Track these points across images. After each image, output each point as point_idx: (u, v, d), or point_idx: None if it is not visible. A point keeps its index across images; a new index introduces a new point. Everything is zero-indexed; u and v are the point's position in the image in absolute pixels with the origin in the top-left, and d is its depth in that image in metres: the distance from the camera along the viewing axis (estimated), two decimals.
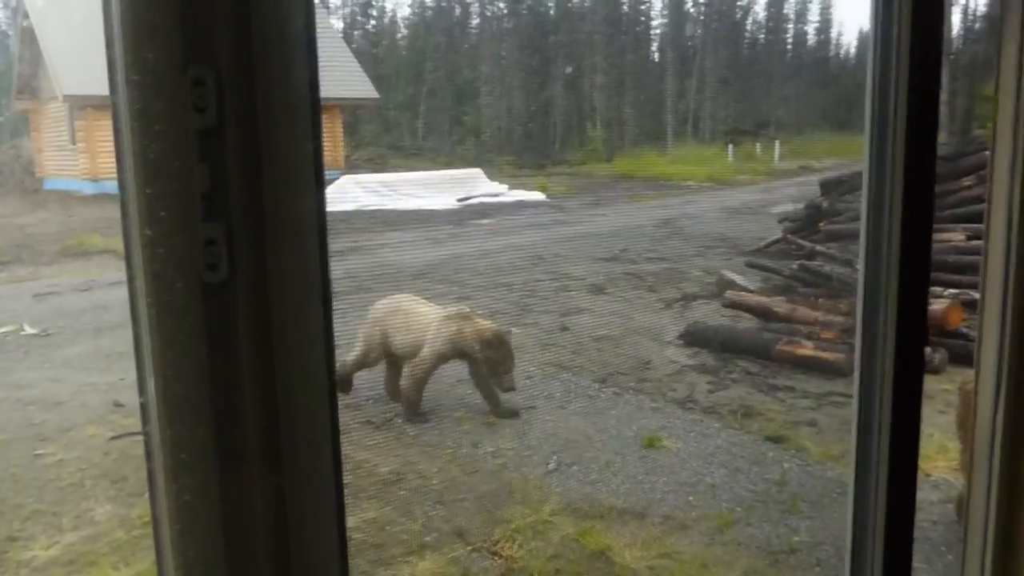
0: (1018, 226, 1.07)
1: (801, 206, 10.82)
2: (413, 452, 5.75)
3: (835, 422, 6.43)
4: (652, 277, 10.52)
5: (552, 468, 5.52)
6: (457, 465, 5.54)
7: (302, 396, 0.71)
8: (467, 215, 14.83)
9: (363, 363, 6.59)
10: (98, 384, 6.87)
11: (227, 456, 0.67)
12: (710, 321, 8.34)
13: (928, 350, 7.40)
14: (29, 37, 17.88)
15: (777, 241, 10.92)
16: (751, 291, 8.93)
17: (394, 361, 6.57)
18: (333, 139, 18.69)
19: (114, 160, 0.69)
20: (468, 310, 6.70)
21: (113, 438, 5.72)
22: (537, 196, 16.89)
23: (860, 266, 1.14)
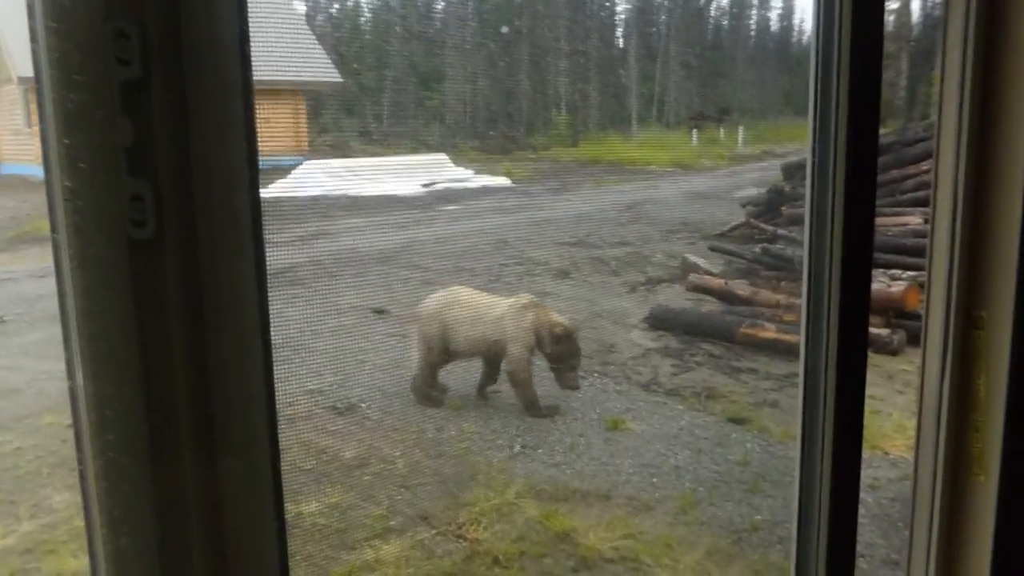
0: (963, 208, 1.09)
1: (763, 190, 10.93)
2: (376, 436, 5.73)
3: (796, 402, 6.52)
4: (616, 261, 10.58)
5: (517, 451, 5.54)
6: (421, 449, 5.54)
7: (235, 356, 0.70)
8: (432, 200, 14.73)
9: (431, 361, 6.40)
10: (55, 372, 6.73)
11: (156, 414, 0.66)
12: (674, 305, 8.41)
13: (887, 331, 7.53)
14: None
15: (740, 225, 11.02)
16: (714, 275, 9.01)
17: (449, 355, 6.43)
18: (296, 124, 18.43)
19: None
20: (537, 299, 6.53)
21: (71, 425, 5.63)
22: (502, 181, 16.80)
23: (804, 248, 1.16)
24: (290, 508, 4.81)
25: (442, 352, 6.37)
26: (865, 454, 4.82)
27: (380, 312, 8.45)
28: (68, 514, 4.59)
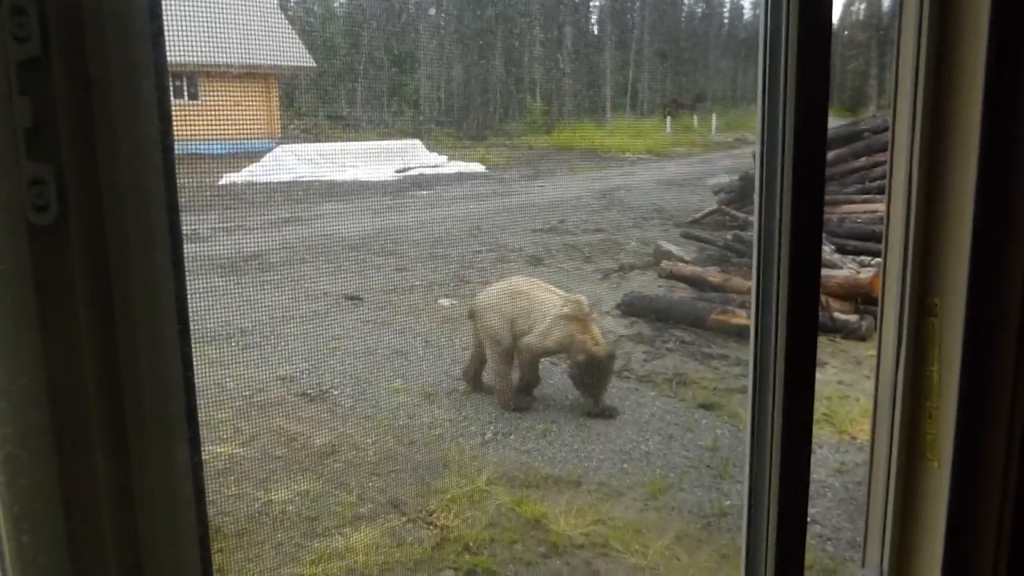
0: (916, 197, 1.09)
1: (736, 177, 10.98)
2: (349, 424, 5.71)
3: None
4: (589, 248, 10.60)
5: (489, 438, 5.54)
6: (393, 436, 5.53)
7: (147, 345, 0.68)
8: (405, 186, 14.65)
9: (505, 352, 6.18)
10: None
11: (60, 406, 0.64)
12: (646, 291, 8.44)
13: (856, 317, 7.62)
14: None
15: (712, 212, 11.08)
16: (686, 261, 9.05)
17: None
18: (268, 108, 18.23)
19: None
20: (588, 309, 6.27)
21: None
22: (476, 167, 16.76)
23: (754, 234, 1.16)
24: (260, 496, 4.79)
25: (511, 342, 6.19)
26: (833, 439, 4.91)
27: (353, 298, 8.42)
28: None
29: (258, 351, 6.93)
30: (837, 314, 7.65)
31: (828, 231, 9.09)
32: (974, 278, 1.06)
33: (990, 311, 1.07)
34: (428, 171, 16.02)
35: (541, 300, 6.22)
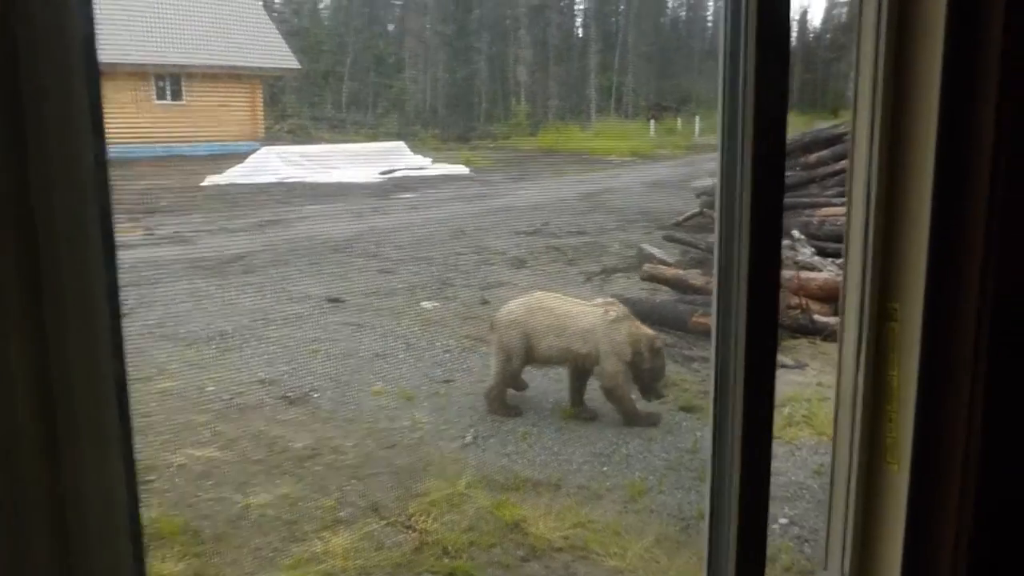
0: (876, 203, 1.10)
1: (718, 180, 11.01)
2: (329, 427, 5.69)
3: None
4: (573, 250, 10.60)
5: (469, 441, 5.54)
6: (374, 439, 5.51)
7: (80, 352, 0.67)
8: (389, 188, 14.64)
9: (511, 372, 6.15)
10: None
11: None
12: (629, 294, 8.45)
13: (836, 319, 7.65)
14: None
15: (695, 215, 11.11)
16: (669, 264, 9.08)
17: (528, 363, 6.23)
18: (253, 110, 18.16)
19: None
20: (625, 308, 6.31)
21: None
22: (461, 169, 16.77)
23: (715, 236, 1.16)
24: (239, 499, 4.76)
25: (522, 362, 6.15)
26: (812, 440, 4.93)
27: (335, 301, 8.39)
28: None
29: (239, 354, 6.90)
30: (817, 316, 7.69)
31: (808, 234, 9.14)
32: (932, 284, 1.06)
33: (948, 316, 1.08)
34: (413, 173, 16.03)
35: (574, 315, 6.12)
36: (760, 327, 1.13)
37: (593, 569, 4.28)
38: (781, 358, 7.22)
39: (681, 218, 11.41)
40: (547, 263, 10.08)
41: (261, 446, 5.34)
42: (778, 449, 5.32)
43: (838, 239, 8.47)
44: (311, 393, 6.19)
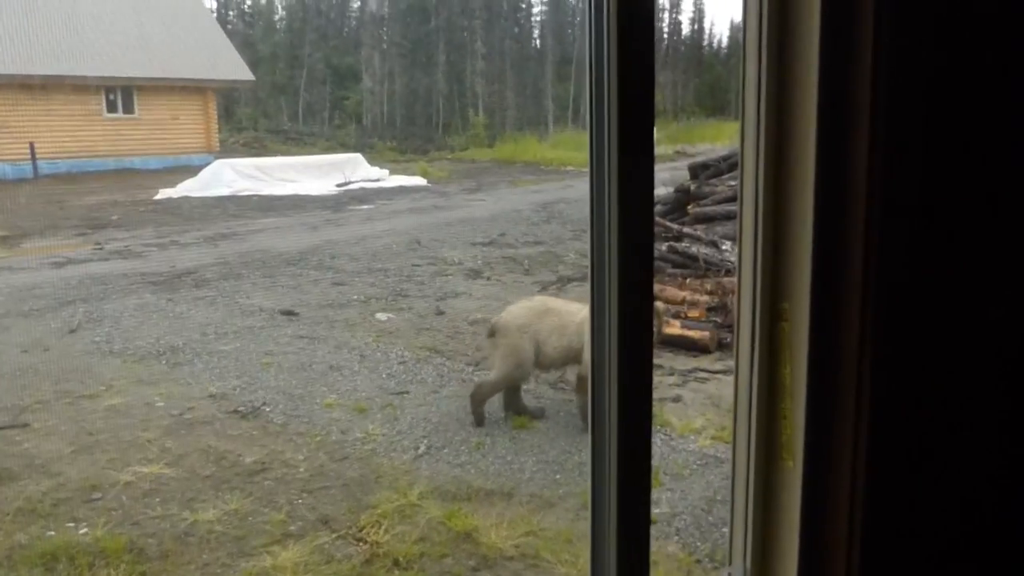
0: (763, 207, 1.14)
1: (671, 190, 11.16)
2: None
3: (699, 397, 6.68)
4: (529, 260, 10.66)
5: (422, 452, 5.53)
6: (325, 452, 5.47)
7: None
8: (345, 200, 14.62)
9: (519, 377, 6.10)
10: None
11: None
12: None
13: None
14: None
15: None
16: None
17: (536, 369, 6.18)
18: (206, 122, 18.01)
19: None
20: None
21: None
22: (418, 181, 16.80)
23: (589, 245, 1.19)
24: (186, 516, 4.71)
25: (532, 365, 6.07)
26: None
27: (289, 313, 8.33)
28: None
29: (189, 368, 6.81)
30: None
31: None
32: (817, 283, 1.10)
33: (834, 315, 1.11)
34: (369, 185, 16.02)
35: (573, 312, 6.08)
36: (633, 335, 1.16)
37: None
38: (719, 364, 7.33)
39: None
40: (503, 273, 10.12)
41: (210, 461, 5.28)
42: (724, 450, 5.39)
43: None
44: (263, 407, 6.13)
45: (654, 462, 5.53)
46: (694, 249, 8.95)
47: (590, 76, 1.08)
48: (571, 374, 6.73)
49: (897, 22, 1.07)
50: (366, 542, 4.47)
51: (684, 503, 5.03)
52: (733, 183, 9.66)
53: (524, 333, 6.04)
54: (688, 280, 8.59)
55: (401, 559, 4.32)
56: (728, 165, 10.48)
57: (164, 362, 6.98)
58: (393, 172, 17.26)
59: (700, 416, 6.27)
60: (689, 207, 10.30)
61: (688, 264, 8.86)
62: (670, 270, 8.95)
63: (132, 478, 5.03)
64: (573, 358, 6.05)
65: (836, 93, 1.05)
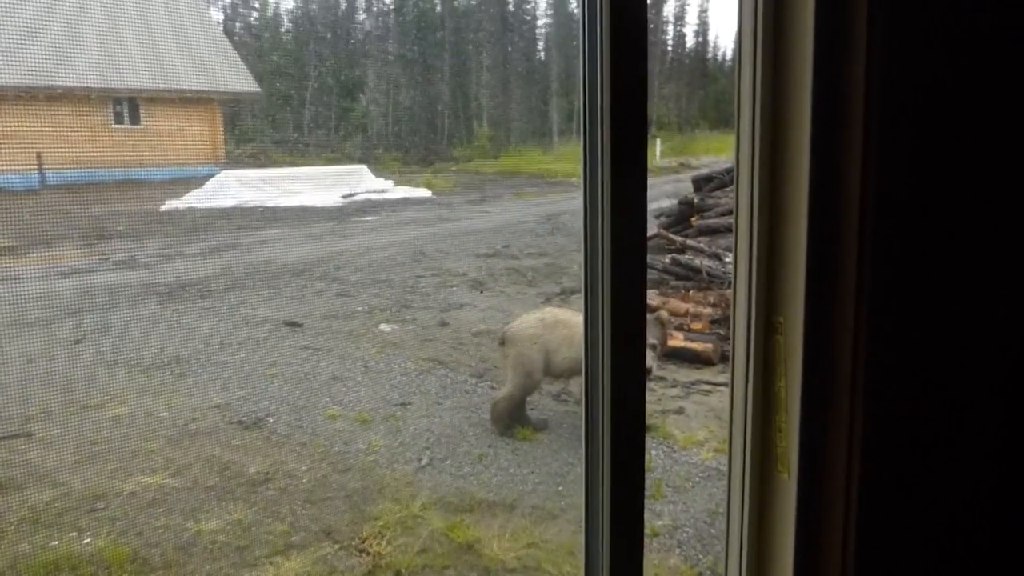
0: (759, 222, 1.16)
1: (675, 202, 11.18)
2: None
3: (702, 409, 6.68)
4: (533, 272, 10.67)
5: (425, 463, 5.53)
6: (328, 463, 5.48)
7: None
8: (350, 211, 14.63)
9: (529, 387, 6.18)
10: None
11: None
12: None
13: None
14: None
15: (653, 236, 11.24)
16: None
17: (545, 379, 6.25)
18: (212, 133, 18.05)
19: None
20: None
21: None
22: (423, 193, 16.81)
23: (582, 259, 1.21)
24: (189, 526, 4.72)
25: (542, 375, 6.16)
26: None
27: (293, 325, 8.35)
28: None
29: (194, 379, 6.83)
30: None
31: None
32: (811, 297, 1.12)
33: (828, 328, 1.13)
34: (374, 196, 16.02)
35: (582, 324, 6.21)
36: (626, 345, 1.18)
37: None
38: (722, 376, 7.33)
39: None
40: (507, 284, 10.14)
41: (214, 472, 5.30)
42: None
43: None
44: (266, 418, 6.15)
45: (657, 475, 5.55)
46: (697, 261, 8.96)
47: (583, 87, 1.10)
48: (574, 386, 6.74)
49: (890, 34, 1.08)
50: (368, 553, 4.48)
51: (686, 515, 5.03)
52: (728, 199, 9.66)
53: (534, 343, 6.09)
54: (691, 292, 8.60)
55: (403, 570, 4.33)
56: (731, 177, 10.46)
57: (169, 373, 7.00)
58: (398, 183, 17.32)
59: (703, 428, 6.27)
60: (692, 219, 10.32)
61: (691, 276, 8.87)
62: (673, 282, 8.96)
63: (136, 488, 5.04)
64: (580, 369, 6.07)
65: (830, 107, 1.07)
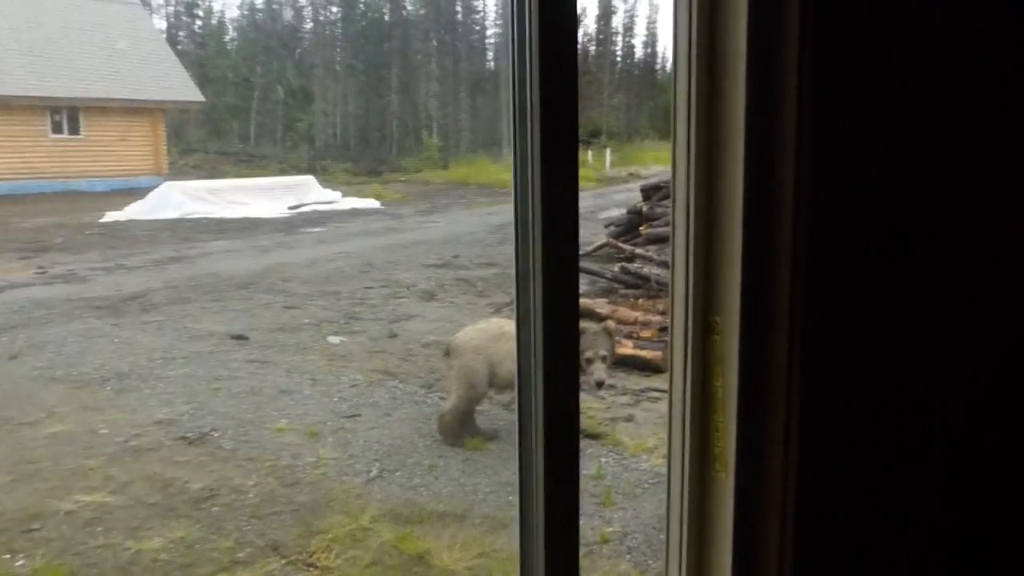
0: (695, 222, 1.17)
1: (624, 211, 11.28)
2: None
3: (651, 416, 6.73)
4: (482, 282, 10.66)
5: (375, 475, 5.47)
6: (276, 477, 5.39)
7: None
8: (298, 223, 14.50)
9: (473, 398, 6.08)
10: None
11: None
12: None
13: None
14: None
15: (603, 246, 11.32)
16: None
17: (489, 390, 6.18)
18: (155, 143, 17.75)
19: None
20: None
21: None
22: (371, 203, 16.73)
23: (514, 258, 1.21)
24: (129, 545, 4.59)
25: (486, 387, 6.09)
26: None
27: (239, 338, 8.21)
28: None
29: (136, 395, 6.67)
30: None
31: None
32: (747, 296, 1.13)
33: (764, 327, 1.14)
34: (322, 207, 15.91)
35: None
36: (559, 355, 1.18)
37: None
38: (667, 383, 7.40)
39: (590, 248, 11.61)
40: (457, 295, 10.11)
41: (156, 489, 5.17)
42: None
43: None
44: (211, 433, 6.02)
45: (607, 482, 5.56)
46: (646, 270, 9.04)
47: (512, 90, 1.10)
48: None
49: (822, 42, 1.10)
50: (317, 567, 4.41)
51: (636, 522, 5.05)
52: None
53: (478, 355, 6.05)
54: (640, 300, 8.68)
55: None
56: None
57: (109, 388, 6.83)
58: (346, 194, 17.18)
59: (652, 435, 6.31)
60: (642, 228, 10.42)
61: (640, 285, 8.95)
62: (623, 291, 9.03)
63: (74, 507, 4.89)
64: None
65: (764, 111, 1.09)
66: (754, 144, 1.10)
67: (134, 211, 13.95)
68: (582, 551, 4.76)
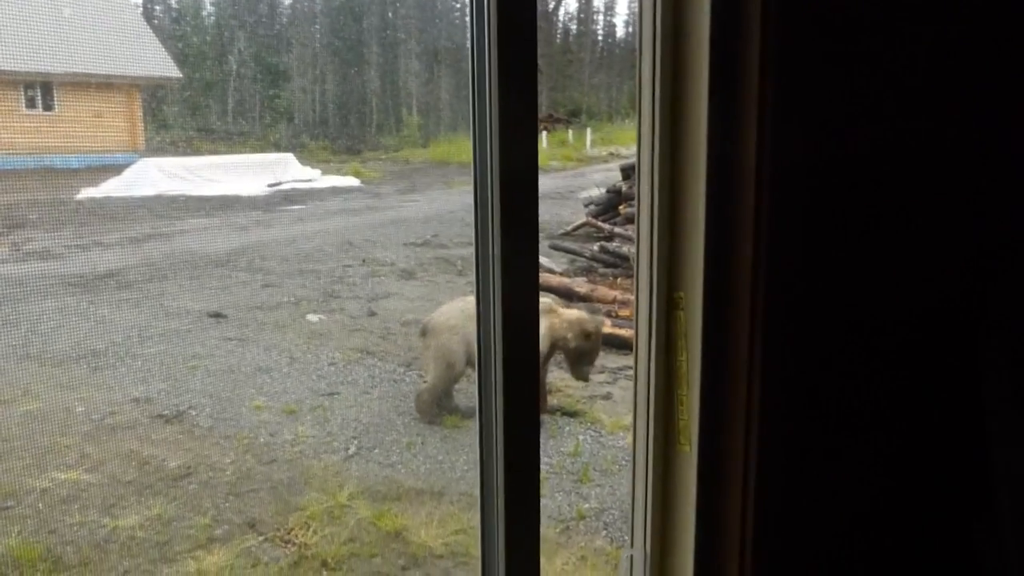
0: (659, 199, 1.18)
1: (603, 191, 11.29)
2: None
3: (629, 394, 6.76)
4: (462, 261, 10.66)
5: (352, 452, 5.49)
6: (253, 455, 5.39)
7: None
8: (276, 201, 14.35)
9: (451, 378, 6.10)
10: None
11: None
12: None
13: None
14: None
15: (582, 225, 11.34)
16: (556, 272, 9.24)
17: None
18: (131, 120, 17.47)
19: None
20: (550, 302, 6.36)
21: None
22: (351, 181, 16.57)
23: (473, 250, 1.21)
24: (106, 523, 4.59)
25: (463, 365, 6.08)
26: None
27: (217, 316, 8.17)
28: None
29: (112, 372, 6.63)
30: None
31: None
32: (710, 272, 1.15)
33: (727, 303, 1.16)
34: (301, 185, 15.72)
35: None
36: (518, 335, 1.19)
37: (473, 574, 4.31)
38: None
39: (569, 228, 11.62)
40: (436, 274, 10.11)
41: (132, 467, 5.16)
42: None
43: None
44: (189, 410, 6.00)
45: (584, 459, 5.61)
46: (625, 249, 9.08)
47: (472, 64, 1.10)
48: None
49: (785, 15, 1.11)
50: (294, 544, 4.43)
51: (612, 498, 5.11)
52: None
53: (455, 334, 6.06)
54: (619, 280, 8.71)
55: (330, 560, 4.30)
56: None
57: (85, 366, 6.79)
58: (325, 172, 17.04)
59: (629, 413, 6.32)
60: (621, 207, 10.45)
61: (619, 264, 8.98)
62: (602, 270, 9.06)
63: (49, 484, 4.87)
64: None
65: (726, 88, 1.10)
66: (717, 122, 1.12)
67: (110, 188, 13.80)
68: (559, 527, 4.83)
